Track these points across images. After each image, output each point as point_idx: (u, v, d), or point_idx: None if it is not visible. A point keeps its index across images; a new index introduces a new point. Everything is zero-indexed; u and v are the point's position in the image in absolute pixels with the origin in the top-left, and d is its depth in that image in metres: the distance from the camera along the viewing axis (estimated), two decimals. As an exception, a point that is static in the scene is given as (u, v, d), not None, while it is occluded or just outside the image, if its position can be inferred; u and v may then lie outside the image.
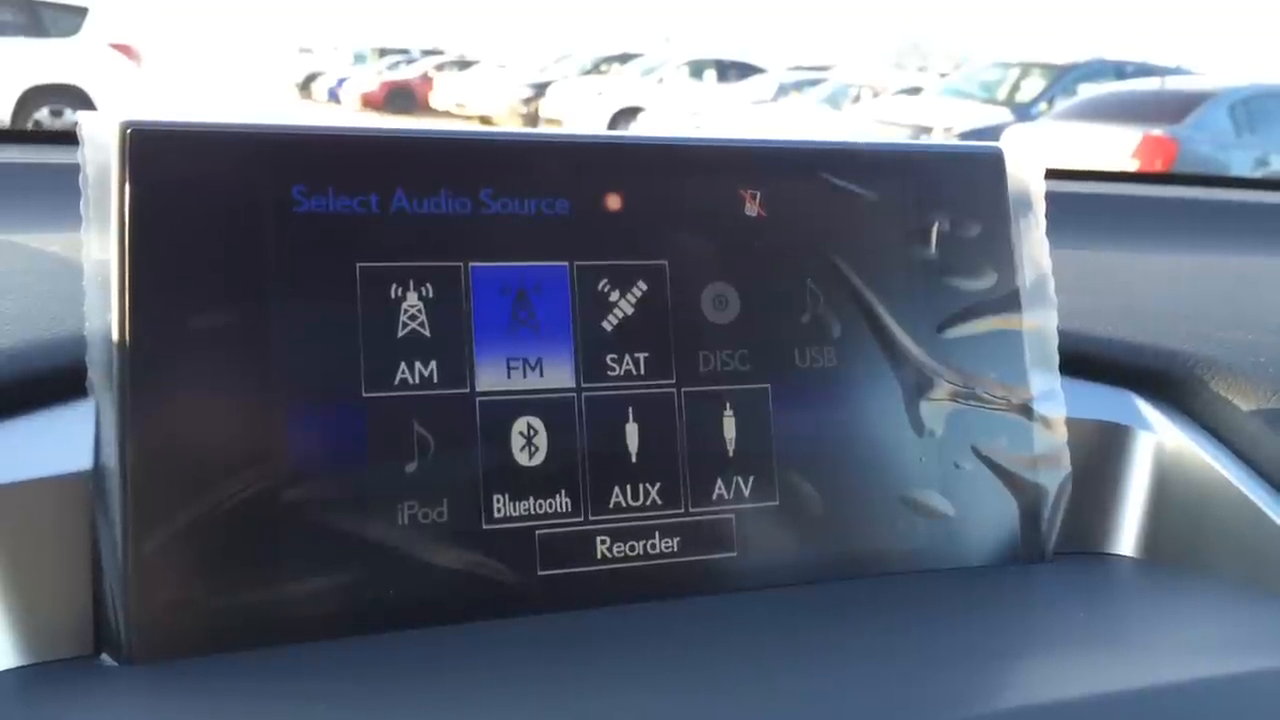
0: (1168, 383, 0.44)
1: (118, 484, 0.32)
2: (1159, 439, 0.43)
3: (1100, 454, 0.43)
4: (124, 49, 5.76)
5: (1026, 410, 0.41)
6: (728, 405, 0.38)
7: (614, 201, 0.38)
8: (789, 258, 0.39)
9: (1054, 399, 0.42)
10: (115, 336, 0.33)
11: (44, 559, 0.32)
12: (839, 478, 0.39)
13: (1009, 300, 0.42)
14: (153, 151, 0.33)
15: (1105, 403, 0.44)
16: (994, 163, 0.43)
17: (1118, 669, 0.32)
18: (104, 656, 0.32)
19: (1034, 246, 0.43)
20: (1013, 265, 0.42)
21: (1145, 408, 0.44)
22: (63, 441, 0.33)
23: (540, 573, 0.36)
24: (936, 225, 0.41)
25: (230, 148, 0.34)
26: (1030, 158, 0.43)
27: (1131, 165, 5.02)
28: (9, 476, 0.32)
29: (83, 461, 0.33)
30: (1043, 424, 0.41)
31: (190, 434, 0.33)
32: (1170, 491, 0.43)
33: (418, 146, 0.37)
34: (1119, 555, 0.43)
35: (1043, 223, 0.43)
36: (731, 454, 0.38)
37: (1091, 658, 0.34)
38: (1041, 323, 0.42)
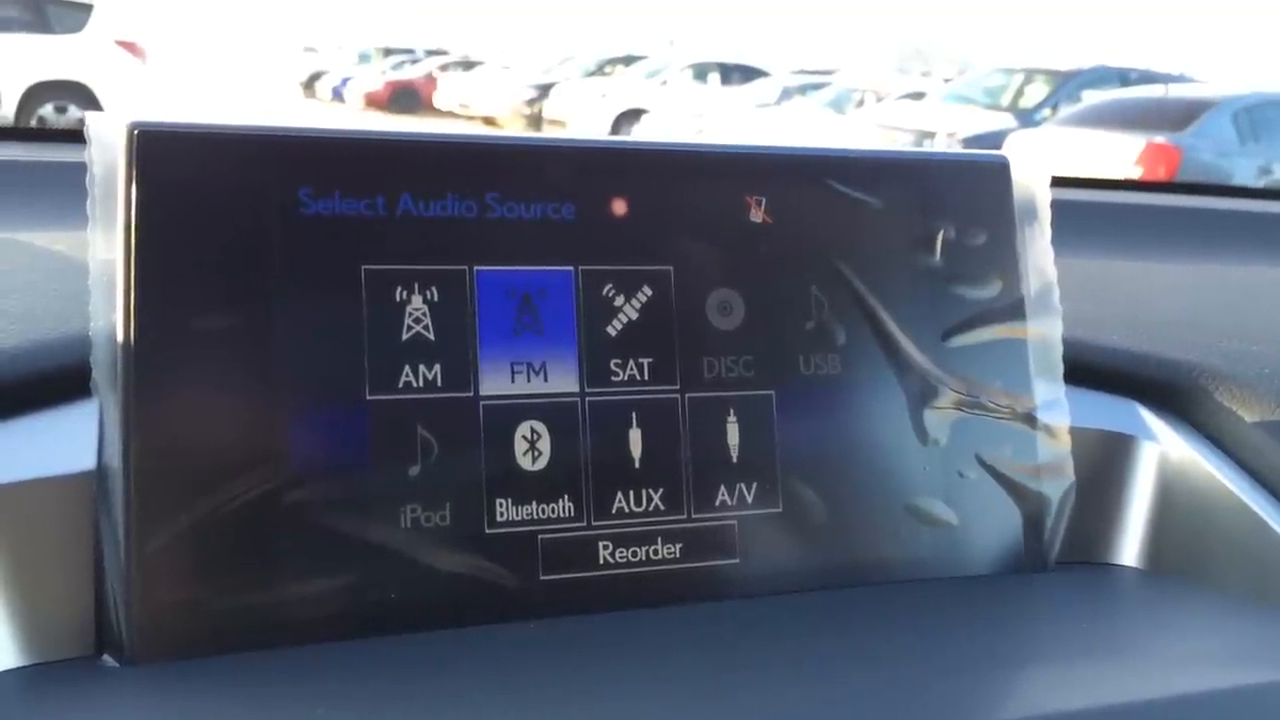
0: (1172, 393, 0.44)
1: (121, 484, 0.32)
2: (1163, 449, 0.43)
3: (1104, 464, 0.43)
4: (129, 46, 5.77)
5: (1030, 419, 0.41)
6: (731, 412, 0.38)
7: (619, 206, 0.38)
8: (794, 264, 0.39)
9: (1058, 408, 0.42)
10: (120, 337, 0.33)
11: (46, 559, 0.32)
12: (842, 485, 0.39)
13: (1014, 309, 0.42)
14: (160, 152, 0.33)
15: (1109, 412, 0.44)
16: (999, 171, 0.43)
17: (1119, 680, 0.32)
18: (106, 657, 0.32)
19: (1039, 255, 0.43)
20: (1018, 274, 0.42)
21: (1149, 418, 0.44)
22: (66, 441, 0.33)
23: (542, 577, 0.35)
24: (941, 233, 0.41)
25: (237, 149, 0.34)
26: (1036, 166, 0.43)
27: (1135, 172, 5.02)
28: (12, 476, 0.32)
29: (86, 461, 0.33)
30: (1047, 433, 0.41)
31: (194, 435, 0.33)
32: (1174, 502, 0.42)
33: (424, 149, 0.37)
34: (1122, 565, 0.43)
35: (1048, 231, 0.43)
36: (735, 460, 0.38)
37: (1093, 668, 0.34)
38: (1046, 331, 0.42)
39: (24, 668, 0.32)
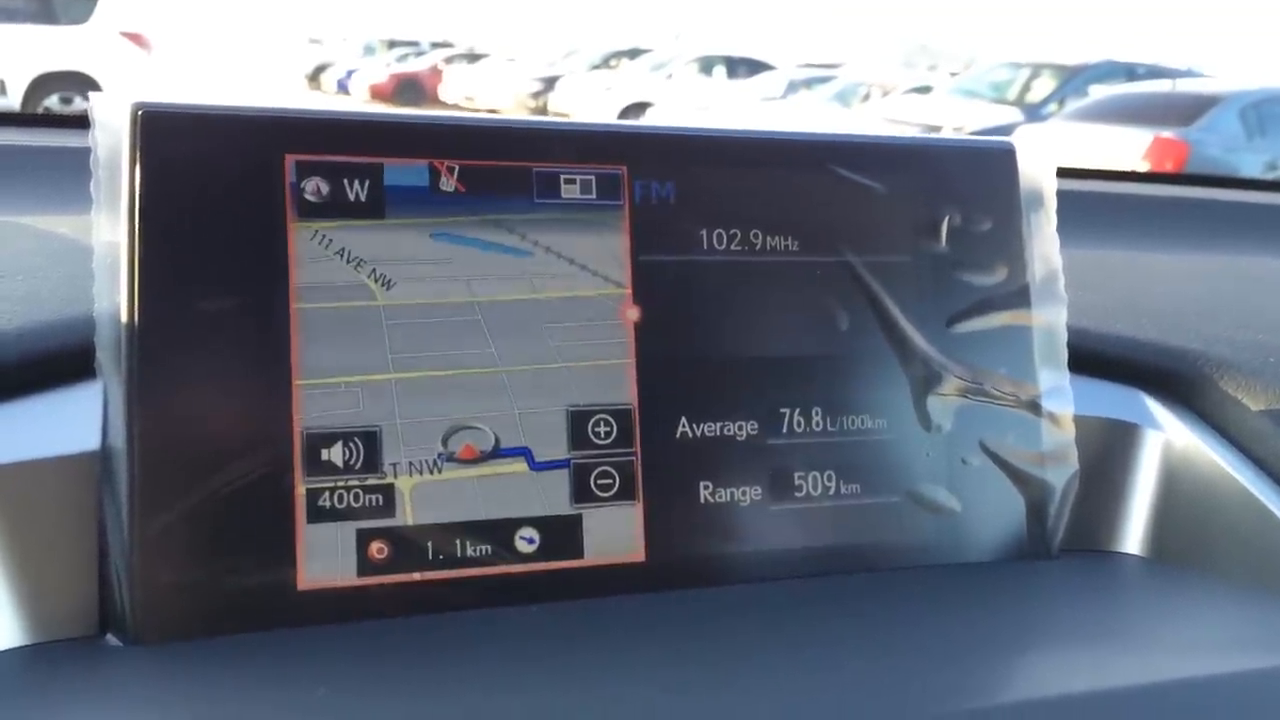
0: (1177, 381, 0.44)
1: (124, 465, 0.32)
2: (1167, 437, 0.43)
3: (1108, 452, 0.43)
4: (134, 37, 5.77)
5: (1034, 407, 0.41)
6: (736, 398, 0.38)
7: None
8: (799, 250, 0.39)
9: (1062, 396, 0.42)
10: (124, 318, 0.33)
11: (51, 539, 0.33)
12: (845, 471, 0.39)
13: (1018, 296, 0.42)
14: (164, 133, 0.33)
15: (1114, 400, 0.44)
16: (1006, 158, 0.43)
17: (1120, 665, 0.32)
18: (109, 637, 0.32)
19: (1044, 243, 0.42)
20: (1023, 261, 0.42)
21: (1154, 406, 0.44)
22: (70, 422, 0.34)
23: (539, 562, 0.35)
24: (947, 220, 0.41)
25: (241, 130, 0.34)
26: (1042, 154, 0.43)
27: (1142, 167, 5.00)
28: (17, 456, 0.32)
29: (90, 442, 0.33)
30: (1050, 421, 0.41)
31: (197, 416, 0.33)
32: (1177, 490, 0.42)
33: (426, 131, 0.36)
34: (1125, 553, 0.43)
35: (1054, 219, 0.43)
36: (737, 445, 0.38)
37: (1095, 654, 0.34)
38: (1051, 319, 0.42)
39: (28, 646, 0.32)
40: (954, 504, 0.40)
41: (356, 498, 0.34)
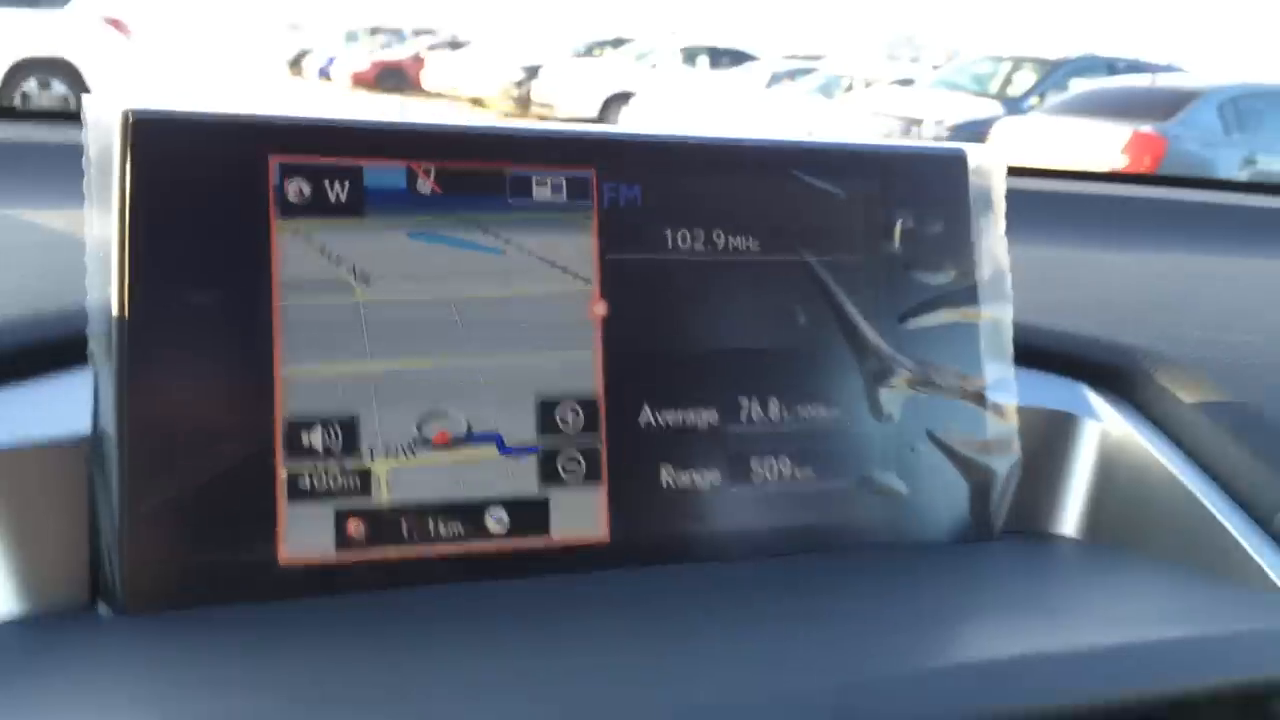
0: (1115, 375, 0.47)
1: (115, 448, 0.34)
2: (1104, 427, 0.45)
3: (1048, 440, 0.45)
4: (114, 23, 5.71)
5: (980, 398, 0.44)
6: (697, 389, 0.40)
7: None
8: (759, 250, 0.41)
9: (1006, 388, 0.44)
10: (115, 310, 0.34)
11: (46, 517, 0.34)
12: (801, 457, 0.41)
13: (967, 294, 0.44)
14: (153, 137, 0.35)
15: (1055, 392, 0.46)
16: (956, 163, 0.45)
17: (1049, 635, 0.35)
18: (101, 608, 0.34)
19: (993, 243, 0.45)
20: (972, 261, 0.44)
21: (1093, 398, 0.46)
22: (64, 407, 0.35)
23: (513, 539, 0.38)
24: (900, 222, 0.43)
25: (227, 134, 0.36)
26: (992, 158, 0.45)
27: (1121, 161, 5.04)
28: (13, 439, 0.34)
29: (82, 426, 0.35)
30: (995, 411, 0.44)
31: (184, 403, 0.34)
32: (1112, 477, 0.45)
33: (414, 136, 0.38)
34: (1063, 535, 0.45)
35: (1002, 221, 0.45)
36: (698, 433, 0.40)
37: (1029, 625, 0.36)
38: (997, 316, 0.44)
39: (24, 618, 0.34)
40: (903, 488, 0.42)
41: (335, 479, 0.36)
